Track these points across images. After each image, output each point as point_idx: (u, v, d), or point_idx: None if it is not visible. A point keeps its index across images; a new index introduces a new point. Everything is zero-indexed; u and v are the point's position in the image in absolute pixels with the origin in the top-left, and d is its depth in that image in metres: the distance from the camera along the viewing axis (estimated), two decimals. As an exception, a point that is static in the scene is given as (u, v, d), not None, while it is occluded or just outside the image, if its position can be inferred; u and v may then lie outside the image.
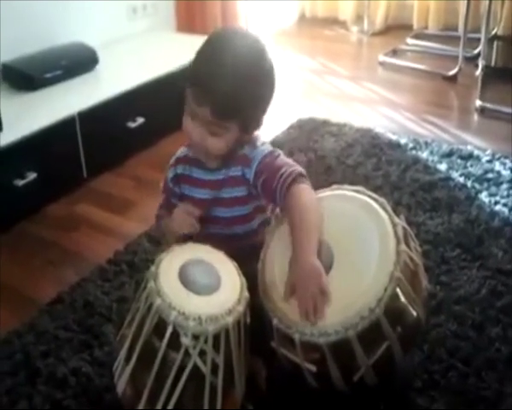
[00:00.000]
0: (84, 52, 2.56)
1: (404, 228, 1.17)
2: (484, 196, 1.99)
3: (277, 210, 1.34)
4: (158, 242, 1.83)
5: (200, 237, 1.30)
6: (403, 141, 2.40)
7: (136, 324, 1.12)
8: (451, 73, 3.08)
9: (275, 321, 1.13)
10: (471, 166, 2.19)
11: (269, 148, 1.30)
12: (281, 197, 1.22)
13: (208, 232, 1.32)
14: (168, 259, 1.16)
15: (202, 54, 1.23)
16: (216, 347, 1.07)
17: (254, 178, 1.26)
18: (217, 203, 1.32)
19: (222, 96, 1.17)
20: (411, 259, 1.14)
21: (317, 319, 1.09)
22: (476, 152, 2.27)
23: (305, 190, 1.21)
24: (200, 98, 1.19)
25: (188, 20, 3.25)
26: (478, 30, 3.08)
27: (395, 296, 1.09)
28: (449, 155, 2.28)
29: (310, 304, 1.09)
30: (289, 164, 1.25)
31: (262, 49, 1.25)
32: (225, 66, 1.18)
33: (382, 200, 1.21)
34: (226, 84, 1.18)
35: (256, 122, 1.27)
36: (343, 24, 4.06)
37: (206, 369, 1.07)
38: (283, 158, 1.28)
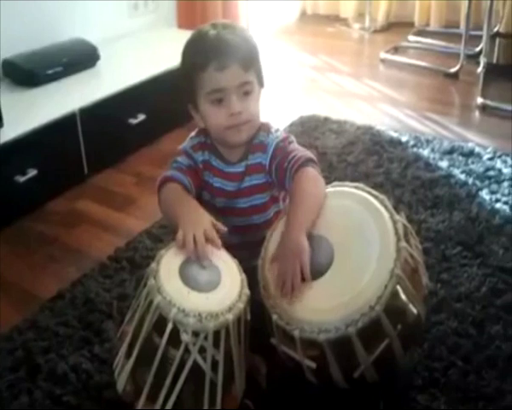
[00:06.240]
0: (86, 49, 2.56)
1: (404, 225, 1.17)
2: (485, 194, 1.99)
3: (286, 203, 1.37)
4: (159, 238, 1.83)
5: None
6: (404, 138, 2.40)
7: (137, 320, 1.12)
8: (453, 70, 3.07)
9: (275, 318, 1.14)
10: (472, 163, 2.18)
11: (283, 134, 1.35)
12: (289, 179, 1.27)
13: (226, 223, 1.32)
14: (169, 256, 1.16)
15: (200, 35, 1.31)
16: (216, 344, 1.07)
17: (270, 163, 1.32)
18: (238, 194, 1.35)
19: (244, 46, 1.28)
20: (412, 256, 1.14)
21: (294, 297, 1.11)
22: (477, 149, 2.27)
23: (310, 173, 1.26)
24: (226, 61, 1.25)
25: (189, 16, 3.25)
26: (480, 27, 3.07)
27: (395, 294, 1.09)
28: (450, 152, 2.27)
29: (288, 279, 1.12)
30: (301, 149, 1.32)
31: None
32: (230, 27, 1.31)
33: (383, 197, 1.21)
34: (241, 37, 1.29)
35: (262, 75, 1.36)
36: (344, 21, 4.05)
37: (206, 366, 1.07)
38: (296, 144, 1.34)
